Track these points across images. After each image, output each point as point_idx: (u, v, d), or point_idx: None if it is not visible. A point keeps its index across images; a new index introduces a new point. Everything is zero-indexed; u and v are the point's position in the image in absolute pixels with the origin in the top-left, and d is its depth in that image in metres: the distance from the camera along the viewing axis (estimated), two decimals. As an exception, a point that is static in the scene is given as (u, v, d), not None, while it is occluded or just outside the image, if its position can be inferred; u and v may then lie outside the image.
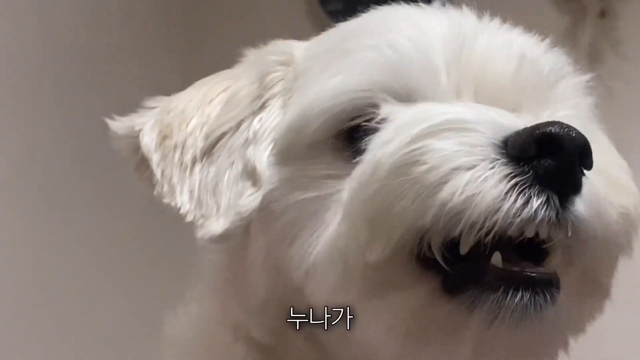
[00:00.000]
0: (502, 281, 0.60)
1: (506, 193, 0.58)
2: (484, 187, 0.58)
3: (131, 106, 0.80)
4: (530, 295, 0.60)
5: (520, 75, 0.70)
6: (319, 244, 0.65)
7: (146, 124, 0.76)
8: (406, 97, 0.67)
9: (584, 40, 2.21)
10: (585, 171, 0.61)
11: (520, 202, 0.58)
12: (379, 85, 0.67)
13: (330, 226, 0.65)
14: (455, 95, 0.67)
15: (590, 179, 0.62)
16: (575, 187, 0.60)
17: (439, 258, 0.61)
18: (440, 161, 0.59)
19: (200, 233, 0.70)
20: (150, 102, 0.80)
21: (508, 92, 0.69)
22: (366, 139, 0.66)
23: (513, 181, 0.59)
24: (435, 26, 0.70)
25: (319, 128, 0.68)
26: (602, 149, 0.67)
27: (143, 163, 0.75)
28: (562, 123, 0.60)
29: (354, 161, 0.66)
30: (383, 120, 0.66)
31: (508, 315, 0.59)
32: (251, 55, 0.80)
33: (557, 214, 0.59)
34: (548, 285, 0.61)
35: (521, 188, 0.58)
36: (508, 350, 0.62)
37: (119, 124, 0.78)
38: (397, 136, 0.62)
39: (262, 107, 0.73)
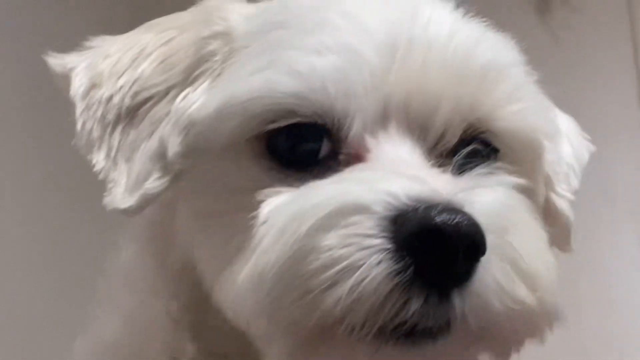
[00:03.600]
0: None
1: (386, 296, 0.58)
2: (366, 291, 0.57)
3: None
4: (411, 332, 0.60)
5: (462, 87, 0.67)
6: (223, 286, 0.65)
7: (79, 65, 0.74)
8: (326, 113, 0.65)
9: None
10: (484, 257, 0.59)
11: (399, 303, 0.58)
12: (296, 96, 0.65)
13: (235, 273, 0.64)
14: (381, 117, 0.66)
15: (488, 267, 0.60)
16: (457, 282, 0.59)
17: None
18: (328, 261, 0.58)
19: (107, 200, 0.69)
20: (93, 42, 0.77)
21: (445, 105, 0.67)
22: (286, 149, 0.65)
23: (395, 280, 0.58)
24: (375, 27, 0.67)
25: (234, 130, 0.66)
26: (526, 231, 0.64)
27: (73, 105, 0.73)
28: (453, 211, 0.58)
29: (271, 172, 0.66)
30: (300, 125, 0.65)
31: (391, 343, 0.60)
32: (205, 4, 0.76)
33: (435, 310, 0.59)
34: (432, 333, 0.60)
35: (402, 288, 0.58)
36: None
37: (56, 61, 0.75)
38: (283, 235, 0.60)
39: (192, 81, 0.70)
